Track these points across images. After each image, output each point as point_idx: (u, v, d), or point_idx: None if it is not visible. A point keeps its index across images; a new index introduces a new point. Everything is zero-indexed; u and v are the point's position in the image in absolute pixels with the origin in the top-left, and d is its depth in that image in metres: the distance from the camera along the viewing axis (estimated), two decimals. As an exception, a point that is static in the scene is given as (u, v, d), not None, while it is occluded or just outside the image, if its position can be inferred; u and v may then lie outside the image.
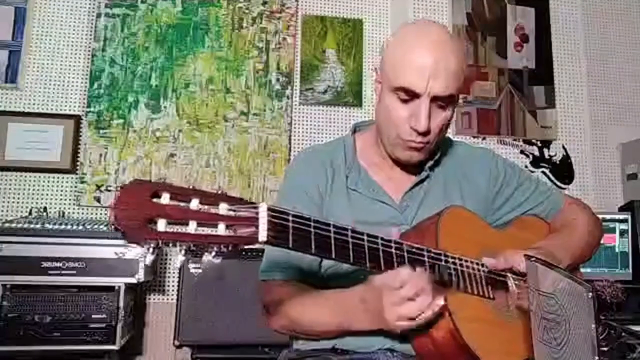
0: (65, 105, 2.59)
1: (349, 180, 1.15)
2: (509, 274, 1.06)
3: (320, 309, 1.03)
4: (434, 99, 1.03)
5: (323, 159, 1.18)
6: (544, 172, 2.91)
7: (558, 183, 2.90)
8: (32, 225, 2.08)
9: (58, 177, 2.52)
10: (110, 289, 2.07)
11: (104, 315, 2.05)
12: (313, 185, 1.14)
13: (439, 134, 1.09)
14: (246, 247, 0.74)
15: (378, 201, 1.13)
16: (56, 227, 2.10)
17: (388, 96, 1.07)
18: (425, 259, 0.93)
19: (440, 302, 0.89)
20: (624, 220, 2.52)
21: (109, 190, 2.51)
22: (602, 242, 1.31)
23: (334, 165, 1.17)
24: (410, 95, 1.04)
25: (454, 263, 0.98)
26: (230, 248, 0.71)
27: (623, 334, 1.66)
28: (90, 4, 2.66)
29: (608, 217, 2.51)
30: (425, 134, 1.05)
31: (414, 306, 0.88)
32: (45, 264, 2.02)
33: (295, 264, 1.08)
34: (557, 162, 2.94)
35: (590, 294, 0.78)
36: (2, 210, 2.44)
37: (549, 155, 2.93)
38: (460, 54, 1.06)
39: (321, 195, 1.14)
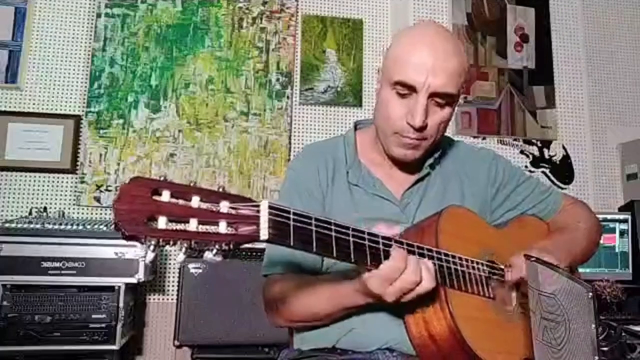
0: (65, 105, 2.59)
1: (349, 176, 1.15)
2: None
3: (315, 294, 1.02)
4: (432, 96, 1.03)
5: (324, 155, 1.18)
6: (544, 172, 2.91)
7: (558, 183, 2.90)
8: (32, 225, 2.08)
9: (58, 177, 2.52)
10: (110, 289, 2.07)
11: (104, 315, 2.05)
12: (314, 182, 1.14)
13: (436, 134, 1.09)
14: (247, 245, 0.74)
15: (379, 197, 1.13)
16: (56, 227, 2.09)
17: (387, 91, 1.07)
18: (426, 258, 0.93)
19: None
20: (624, 220, 2.52)
21: (109, 190, 2.51)
22: (602, 242, 1.30)
23: (335, 160, 1.17)
24: (408, 90, 1.04)
25: (455, 262, 0.98)
26: (231, 246, 0.71)
27: (623, 334, 1.66)
28: (90, 4, 2.66)
29: (608, 217, 2.51)
30: (421, 129, 1.04)
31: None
32: (45, 264, 2.02)
33: (296, 258, 1.08)
34: (557, 162, 2.94)
35: (590, 294, 0.78)
36: (2, 210, 2.44)
37: (549, 155, 2.93)
38: (462, 56, 1.06)
39: (322, 191, 1.14)
